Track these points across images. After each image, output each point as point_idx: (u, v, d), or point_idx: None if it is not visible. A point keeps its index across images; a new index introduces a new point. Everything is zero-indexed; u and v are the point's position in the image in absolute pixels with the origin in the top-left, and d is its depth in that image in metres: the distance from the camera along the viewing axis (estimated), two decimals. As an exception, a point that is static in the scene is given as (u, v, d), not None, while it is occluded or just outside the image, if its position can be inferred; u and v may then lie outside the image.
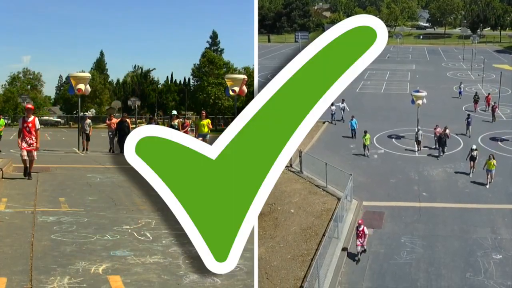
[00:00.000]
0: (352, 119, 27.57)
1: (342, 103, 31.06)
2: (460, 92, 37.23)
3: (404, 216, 17.70)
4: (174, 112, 24.35)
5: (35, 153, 15.23)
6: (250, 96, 61.21)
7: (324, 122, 30.97)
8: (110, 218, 9.56)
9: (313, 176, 21.18)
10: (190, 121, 36.42)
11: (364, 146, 24.08)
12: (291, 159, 22.97)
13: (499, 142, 26.68)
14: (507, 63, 56.16)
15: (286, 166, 22.52)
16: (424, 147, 24.88)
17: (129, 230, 8.62)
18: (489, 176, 20.52)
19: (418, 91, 26.79)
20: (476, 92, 34.55)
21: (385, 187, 20.35)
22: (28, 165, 15.22)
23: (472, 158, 21.68)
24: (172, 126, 22.50)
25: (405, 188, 20.35)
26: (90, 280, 6.01)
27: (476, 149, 21.76)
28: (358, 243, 14.83)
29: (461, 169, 22.46)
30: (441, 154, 24.01)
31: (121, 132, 24.72)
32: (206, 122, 22.39)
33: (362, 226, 14.90)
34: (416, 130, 25.13)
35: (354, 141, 26.55)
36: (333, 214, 15.94)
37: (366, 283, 13.51)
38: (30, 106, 15.70)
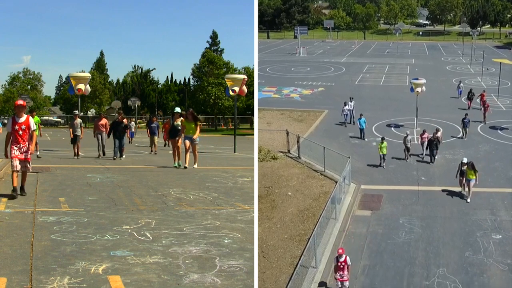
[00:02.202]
0: (360, 118, 24.89)
1: (351, 101, 28.47)
2: (460, 92, 35.68)
3: (402, 198, 17.53)
4: (178, 109, 20.93)
5: (29, 163, 11.79)
6: (250, 96, 61.31)
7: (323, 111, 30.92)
8: (110, 218, 9.44)
9: (311, 161, 21.04)
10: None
11: (381, 156, 20.44)
12: (289, 145, 22.92)
13: (499, 131, 26.59)
14: (506, 57, 56.05)
15: (284, 152, 22.38)
16: (411, 154, 21.61)
17: (129, 230, 8.50)
18: (467, 188, 17.27)
19: (417, 79, 26.64)
20: (471, 89, 33.08)
21: (383, 172, 20.21)
22: (19, 180, 11.72)
23: (462, 174, 17.64)
24: (174, 126, 20.06)
25: (403, 173, 20.20)
26: (90, 280, 5.94)
27: (467, 163, 17.62)
28: (339, 276, 11.52)
29: (460, 155, 22.30)
30: (432, 161, 21.04)
31: (116, 135, 22.42)
32: (191, 123, 19.08)
33: (343, 256, 11.58)
34: (405, 135, 21.66)
35: (353, 128, 26.40)
36: (331, 194, 15.70)
37: (364, 261, 13.32)
38: (21, 102, 11.90)
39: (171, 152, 20.79)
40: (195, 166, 18.86)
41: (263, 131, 26.00)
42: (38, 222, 8.91)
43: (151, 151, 27.10)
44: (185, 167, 18.62)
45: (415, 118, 27.09)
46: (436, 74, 45.89)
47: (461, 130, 25.15)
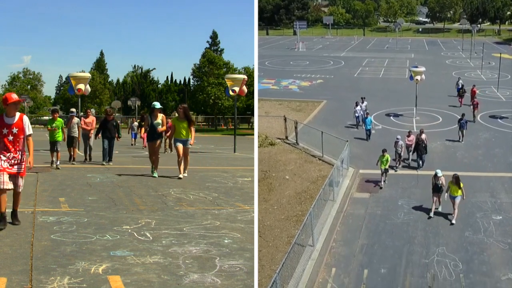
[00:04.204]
0: (367, 117, 23.01)
1: (363, 101, 25.63)
2: (458, 89, 32.46)
3: (401, 182, 17.37)
4: (157, 104, 16.22)
5: (22, 180, 8.72)
6: (250, 96, 61.09)
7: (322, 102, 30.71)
8: (110, 218, 9.36)
9: (309, 147, 20.84)
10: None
11: (382, 171, 17.00)
12: (286, 131, 22.67)
13: (499, 120, 26.40)
14: (507, 52, 55.87)
15: (282, 139, 22.17)
16: (404, 159, 19.28)
17: (129, 230, 8.43)
18: (454, 206, 14.19)
19: (416, 67, 26.45)
20: (462, 85, 30.86)
21: (395, 140, 19.86)
22: (5, 204, 8.55)
23: (437, 189, 14.64)
24: (153, 126, 15.83)
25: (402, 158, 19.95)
26: (90, 280, 5.90)
27: (441, 176, 14.67)
28: None
29: (460, 143, 22.11)
30: (420, 166, 18.65)
31: (106, 134, 19.34)
32: (184, 122, 15.55)
33: None
34: (396, 139, 18.98)
35: (351, 118, 26.06)
36: (329, 176, 15.46)
37: (362, 241, 13.10)
38: (16, 96, 8.74)
39: (173, 152, 17.36)
40: (185, 174, 15.65)
41: (260, 118, 25.79)
42: (38, 222, 8.80)
43: (165, 150, 24.37)
44: (179, 178, 15.34)
45: (414, 108, 26.85)
46: (436, 68, 45.66)
47: (457, 132, 22.24)
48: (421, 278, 11.34)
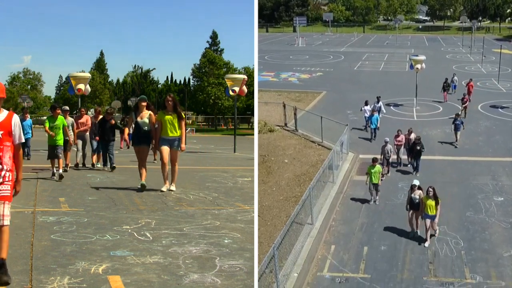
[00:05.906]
0: (372, 115, 20.72)
1: (378, 102, 22.55)
2: (454, 86, 29.83)
3: (402, 166, 17.16)
4: (143, 98, 12.87)
5: (7, 208, 5.81)
6: (250, 96, 60.82)
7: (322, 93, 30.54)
8: (110, 218, 9.26)
9: (308, 133, 20.68)
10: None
11: (370, 187, 14.12)
12: (286, 118, 22.50)
13: (500, 109, 26.24)
14: (507, 48, 55.66)
15: (281, 126, 21.99)
16: (394, 164, 17.17)
17: (129, 230, 8.35)
18: (429, 226, 11.65)
19: (417, 55, 26.26)
20: (446, 79, 28.30)
21: (382, 144, 19.73)
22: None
23: (413, 206, 12.00)
24: (139, 126, 12.49)
25: (403, 145, 19.77)
26: (90, 280, 5.86)
27: (419, 188, 12.12)
28: None
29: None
30: (416, 172, 16.37)
31: (103, 138, 16.84)
32: (173, 117, 12.20)
33: None
34: (384, 144, 16.64)
35: (350, 107, 25.89)
36: (329, 159, 15.28)
37: (361, 220, 12.94)
38: None
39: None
40: (172, 187, 12.34)
41: (259, 106, 25.62)
42: (38, 222, 8.71)
43: (154, 158, 18.62)
44: (162, 191, 12.13)
45: (415, 98, 26.67)
46: (436, 63, 45.44)
47: (452, 133, 19.81)
48: (422, 254, 11.19)
